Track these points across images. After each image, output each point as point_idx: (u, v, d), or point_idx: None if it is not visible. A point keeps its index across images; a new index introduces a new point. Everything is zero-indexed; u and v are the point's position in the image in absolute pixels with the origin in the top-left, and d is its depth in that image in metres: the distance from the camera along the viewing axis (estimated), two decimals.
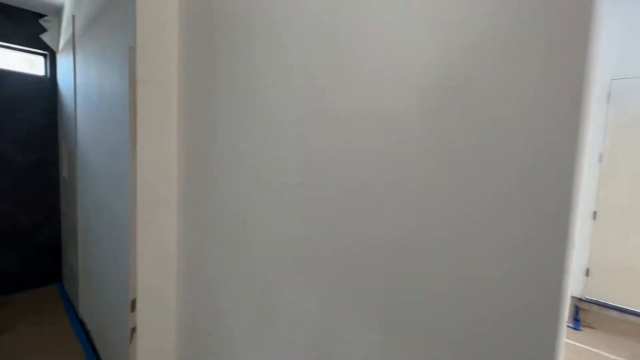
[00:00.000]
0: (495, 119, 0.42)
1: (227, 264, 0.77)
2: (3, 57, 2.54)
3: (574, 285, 2.60)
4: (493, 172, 0.43)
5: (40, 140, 2.64)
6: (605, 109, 2.50)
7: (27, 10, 2.53)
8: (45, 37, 2.60)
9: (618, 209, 2.43)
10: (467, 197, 0.44)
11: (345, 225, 0.56)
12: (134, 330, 0.94)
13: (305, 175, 0.62)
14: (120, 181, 1.24)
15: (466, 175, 0.44)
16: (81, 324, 2.18)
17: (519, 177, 0.40)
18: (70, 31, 2.17)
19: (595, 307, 2.53)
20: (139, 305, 0.90)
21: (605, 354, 2.15)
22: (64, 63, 2.51)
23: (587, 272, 2.56)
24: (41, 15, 2.59)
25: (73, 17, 2.10)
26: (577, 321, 2.58)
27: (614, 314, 2.44)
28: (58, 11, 2.54)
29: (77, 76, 2.11)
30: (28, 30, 2.54)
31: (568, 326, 2.49)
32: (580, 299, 2.59)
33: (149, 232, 0.90)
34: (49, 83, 2.66)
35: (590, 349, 2.22)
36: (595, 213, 2.53)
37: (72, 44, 2.12)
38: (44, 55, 2.70)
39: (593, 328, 2.51)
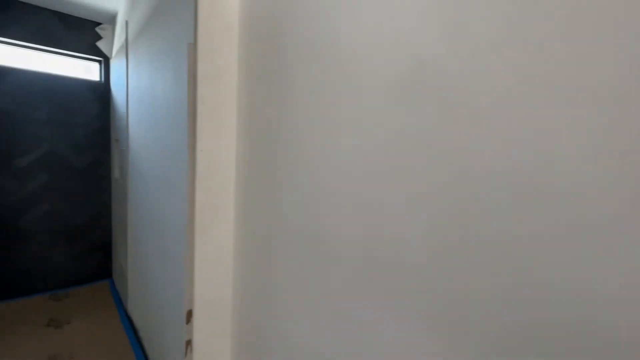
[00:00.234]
0: None
1: (294, 279, 0.69)
2: (64, 64, 2.69)
3: None
4: None
5: (94, 142, 2.77)
6: None
7: (86, 20, 2.66)
8: (101, 44, 2.73)
9: None
10: None
11: (446, 232, 0.45)
12: (189, 343, 0.89)
13: (396, 182, 0.52)
14: (174, 185, 1.21)
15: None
16: (130, 321, 2.23)
17: None
18: (124, 37, 2.24)
19: None
20: (195, 317, 0.84)
21: None
22: (116, 68, 2.61)
23: None
24: (97, 24, 2.72)
25: (126, 22, 2.17)
26: None
27: None
28: (112, 19, 2.65)
29: (130, 80, 2.17)
30: (86, 38, 2.67)
31: None
32: None
33: (207, 239, 0.84)
34: (102, 88, 2.79)
35: None
36: None
37: (125, 48, 2.19)
38: (99, 62, 2.84)
39: None
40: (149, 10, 1.74)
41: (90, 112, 2.74)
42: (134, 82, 2.07)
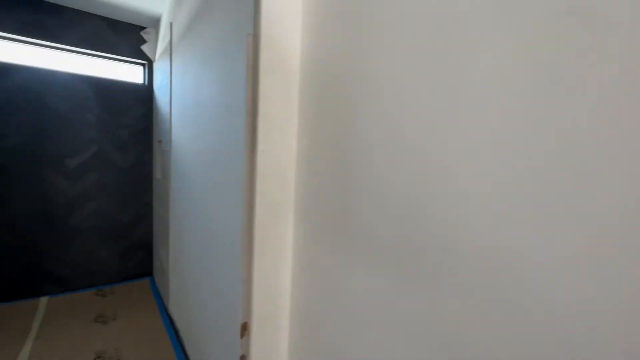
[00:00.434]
0: None
1: (375, 298, 0.59)
2: (110, 68, 2.79)
3: None
4: None
5: (137, 142, 2.85)
6: None
7: (132, 24, 2.74)
8: (145, 48, 2.80)
9: None
10: None
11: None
12: (244, 358, 0.82)
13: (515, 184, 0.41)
14: (223, 187, 1.16)
15: None
16: (170, 320, 2.25)
17: None
18: (168, 39, 2.27)
19: None
20: (252, 331, 0.77)
21: None
22: (159, 70, 2.67)
23: None
24: (142, 28, 2.79)
25: (171, 24, 2.19)
26: None
27: None
28: (156, 22, 2.71)
29: (173, 81, 2.19)
30: (131, 43, 2.75)
31: None
32: None
33: (267, 247, 0.77)
34: (146, 90, 2.87)
35: None
36: None
37: (169, 50, 2.21)
38: (143, 65, 2.92)
39: None
40: (194, 10, 1.73)
41: (134, 113, 2.82)
42: (178, 84, 2.08)
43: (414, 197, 0.53)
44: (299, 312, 0.82)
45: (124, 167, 2.80)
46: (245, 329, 0.84)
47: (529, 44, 0.40)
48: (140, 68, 2.93)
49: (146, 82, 2.92)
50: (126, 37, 2.72)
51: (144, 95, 2.86)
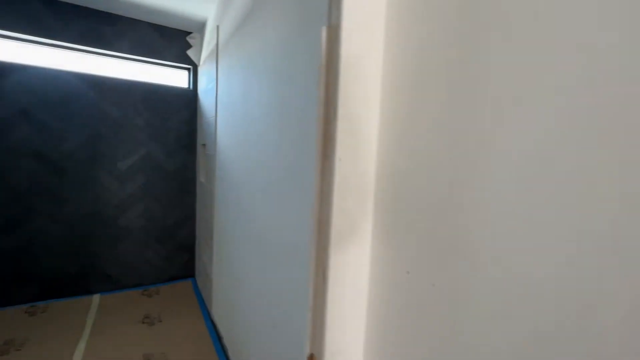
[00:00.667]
0: None
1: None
2: (159, 73, 2.87)
3: None
4: None
5: (182, 145, 2.90)
6: None
7: (178, 30, 2.80)
8: (190, 53, 2.84)
9: None
10: None
11: None
12: None
13: None
14: (285, 199, 1.07)
15: None
16: (213, 325, 2.23)
17: None
18: (214, 42, 2.26)
19: None
20: None
21: None
22: (204, 75, 2.69)
23: None
24: (188, 33, 2.84)
25: (217, 27, 2.18)
26: None
27: None
28: (202, 27, 2.73)
29: (219, 85, 2.17)
30: (177, 48, 2.80)
31: None
32: None
33: (342, 271, 0.66)
34: (191, 94, 2.91)
35: None
36: None
37: (215, 53, 2.20)
38: (188, 70, 2.97)
39: None
40: (243, 12, 1.68)
41: (180, 117, 2.87)
42: (224, 87, 2.06)
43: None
44: (376, 349, 0.70)
45: (169, 170, 2.86)
46: None
47: None
48: (186, 73, 2.98)
49: (191, 86, 2.96)
50: (173, 42, 2.78)
51: (189, 99, 2.90)
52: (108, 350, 1.92)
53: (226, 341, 1.96)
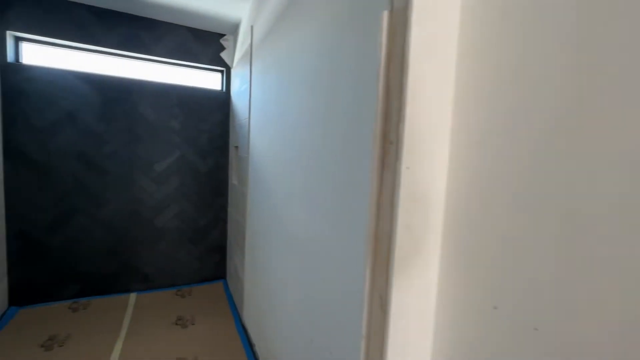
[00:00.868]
0: None
1: None
2: (193, 76, 2.90)
3: None
4: None
5: (215, 147, 2.91)
6: None
7: (211, 32, 2.81)
8: (224, 55, 2.85)
9: None
10: None
11: None
12: None
13: None
14: (331, 210, 0.98)
15: None
16: (245, 330, 2.19)
17: None
18: (247, 43, 2.24)
19: None
20: None
21: None
22: (237, 76, 2.68)
23: None
24: (221, 35, 2.85)
25: (251, 27, 2.15)
26: None
27: None
28: (235, 28, 2.73)
29: (253, 86, 2.14)
30: (211, 50, 2.82)
31: None
32: None
33: (403, 301, 0.55)
34: (224, 96, 2.91)
35: None
36: None
37: (249, 54, 2.17)
38: (221, 72, 2.98)
39: None
40: (278, 10, 1.62)
41: (213, 119, 2.88)
42: (258, 88, 2.01)
43: None
44: None
45: (202, 172, 2.88)
46: None
47: None
48: (219, 75, 3.00)
49: (224, 88, 2.97)
50: (207, 45, 2.80)
51: (222, 101, 2.91)
52: (143, 351, 1.94)
53: (258, 349, 1.91)
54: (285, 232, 1.42)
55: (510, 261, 0.48)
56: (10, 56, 2.22)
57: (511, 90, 0.48)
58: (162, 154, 2.71)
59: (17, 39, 2.29)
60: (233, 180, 2.78)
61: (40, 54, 2.38)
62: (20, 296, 2.35)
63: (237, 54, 2.73)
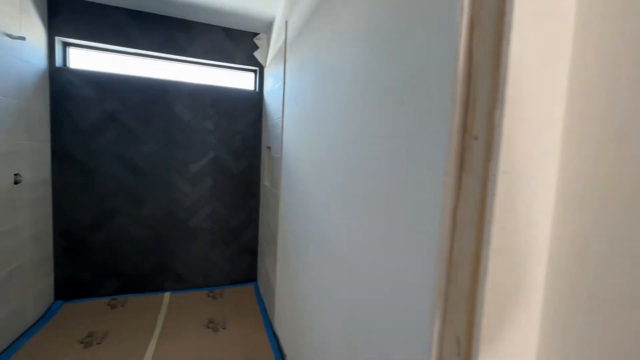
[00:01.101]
0: None
1: None
2: (227, 76, 2.89)
3: None
4: None
5: (248, 148, 2.87)
6: None
7: (245, 32, 2.78)
8: (257, 54, 2.81)
9: None
10: None
11: None
12: None
13: None
14: (380, 225, 0.85)
15: None
16: (276, 339, 2.11)
17: None
18: (282, 39, 2.15)
19: None
20: None
21: None
22: (270, 75, 2.61)
23: None
24: (255, 34, 2.80)
25: (286, 23, 2.06)
26: None
27: None
28: (269, 26, 2.67)
29: (287, 83, 2.05)
30: (244, 50, 2.78)
31: None
32: None
33: (498, 336, 0.41)
34: (256, 96, 2.87)
35: None
36: None
37: (284, 50, 2.09)
38: (254, 72, 2.94)
39: None
40: (314, 2, 1.51)
41: (246, 120, 2.84)
42: (292, 86, 1.92)
43: None
44: None
45: (235, 173, 2.85)
46: None
47: None
48: (252, 75, 2.96)
49: (257, 88, 2.93)
50: (240, 45, 2.77)
51: (254, 101, 2.86)
52: (175, 353, 1.91)
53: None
54: (323, 241, 1.30)
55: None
56: (58, 61, 2.32)
57: None
58: (197, 155, 2.71)
59: (65, 44, 2.38)
60: (265, 181, 2.72)
61: (84, 58, 2.46)
62: (65, 291, 2.45)
63: (270, 52, 2.66)
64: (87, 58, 2.47)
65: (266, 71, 2.78)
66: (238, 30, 2.75)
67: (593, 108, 0.40)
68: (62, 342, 1.95)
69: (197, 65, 2.77)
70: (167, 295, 2.64)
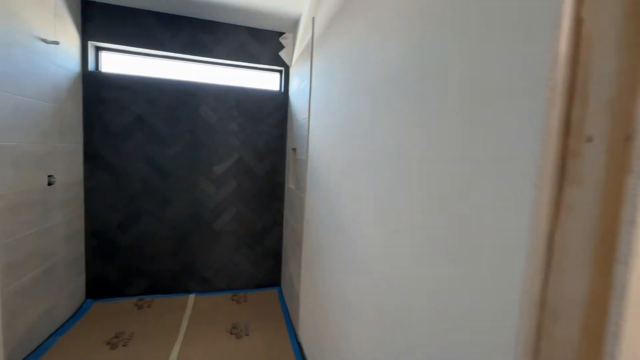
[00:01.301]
0: None
1: None
2: (252, 77, 2.85)
3: None
4: None
5: (272, 150, 2.81)
6: None
7: (271, 31, 2.72)
8: (282, 54, 2.74)
9: None
10: None
11: None
12: None
13: None
14: (427, 242, 0.73)
15: None
16: (300, 348, 2.02)
17: None
18: (309, 36, 2.07)
19: None
20: None
21: None
22: (295, 75, 2.54)
23: None
24: (280, 34, 2.74)
25: (313, 19, 1.97)
26: None
27: None
28: (294, 25, 2.59)
29: (313, 80, 1.96)
30: (270, 50, 2.73)
31: None
32: None
33: None
34: (281, 97, 2.80)
35: None
36: None
37: (310, 47, 2.00)
38: (279, 72, 2.88)
39: None
40: None
41: (270, 121, 2.79)
42: (319, 85, 1.82)
43: None
44: None
45: (259, 175, 2.80)
46: None
47: None
48: (277, 75, 2.90)
49: (282, 88, 2.86)
50: (266, 45, 2.72)
51: (279, 102, 2.80)
52: (198, 359, 1.87)
53: None
54: (354, 256, 1.18)
55: None
56: (91, 65, 2.37)
57: None
58: (222, 156, 2.69)
59: (97, 49, 2.44)
60: (289, 184, 2.65)
61: (114, 61, 2.51)
62: (95, 290, 2.50)
63: (296, 51, 2.59)
64: (117, 61, 2.51)
65: (292, 71, 2.71)
66: (263, 30, 2.70)
67: None
68: (89, 343, 1.97)
69: (222, 66, 2.74)
70: (191, 297, 2.63)
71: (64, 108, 2.11)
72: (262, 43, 2.71)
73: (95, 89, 2.37)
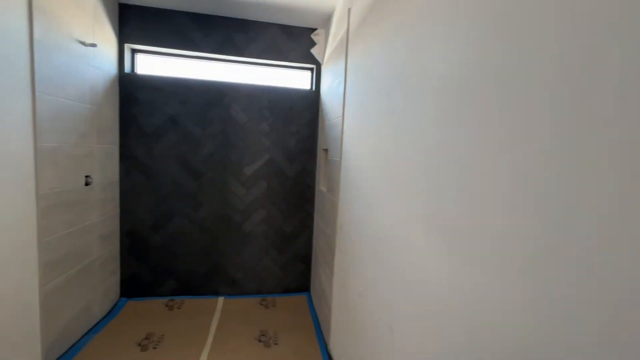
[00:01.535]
0: None
1: None
2: (283, 76, 2.77)
3: None
4: None
5: (302, 150, 2.72)
6: None
7: (302, 28, 2.63)
8: (314, 51, 2.64)
9: None
10: None
11: None
12: None
13: None
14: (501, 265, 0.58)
15: None
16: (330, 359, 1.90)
17: None
18: (344, 29, 1.94)
19: None
20: None
21: None
22: (328, 73, 2.42)
23: None
24: (312, 30, 2.64)
25: (349, 10, 1.84)
26: None
27: None
28: (327, 20, 2.48)
29: (348, 78, 1.83)
30: (301, 47, 2.64)
31: None
32: None
33: None
34: (312, 95, 2.70)
35: None
36: None
37: (345, 41, 1.87)
38: (311, 70, 2.78)
39: None
40: None
41: (301, 120, 2.70)
42: (355, 80, 1.69)
43: None
44: None
45: (289, 176, 2.72)
46: None
47: None
48: (308, 73, 2.80)
49: (313, 87, 2.76)
50: (297, 42, 2.63)
51: (310, 101, 2.70)
52: None
53: None
54: (403, 272, 1.04)
55: None
56: (127, 67, 2.40)
57: None
58: (252, 157, 2.64)
59: (133, 51, 2.47)
60: (321, 186, 2.54)
61: (148, 62, 2.54)
62: (129, 289, 2.54)
63: (328, 48, 2.48)
64: (151, 62, 2.54)
65: (323, 68, 2.60)
66: (295, 27, 2.61)
67: None
68: (121, 343, 1.97)
69: (253, 65, 2.69)
70: (220, 300, 2.60)
71: (101, 110, 2.14)
72: (293, 40, 2.63)
73: (130, 90, 2.40)
